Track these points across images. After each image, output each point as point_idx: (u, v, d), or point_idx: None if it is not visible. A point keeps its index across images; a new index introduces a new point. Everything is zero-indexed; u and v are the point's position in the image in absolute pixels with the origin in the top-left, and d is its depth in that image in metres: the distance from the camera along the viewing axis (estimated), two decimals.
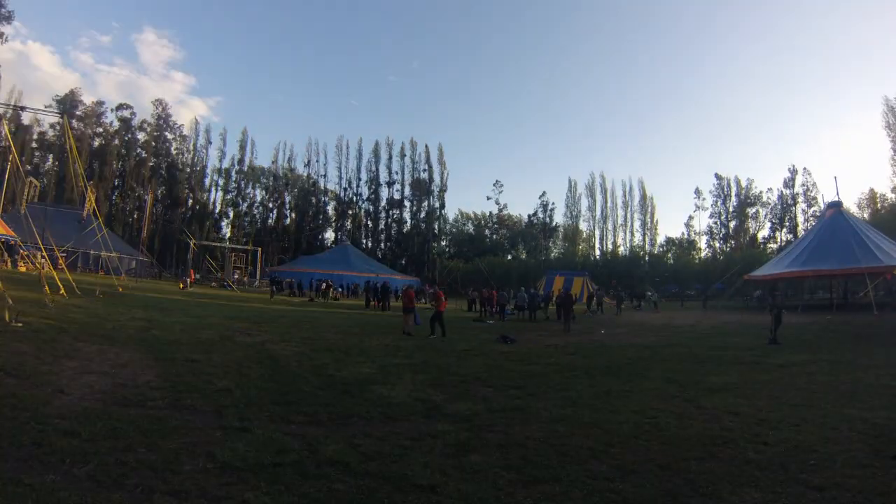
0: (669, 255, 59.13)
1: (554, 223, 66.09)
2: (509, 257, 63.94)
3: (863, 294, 23.74)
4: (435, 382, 7.32)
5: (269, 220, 65.26)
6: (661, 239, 62.99)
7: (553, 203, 66.07)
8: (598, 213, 63.42)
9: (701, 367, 9.06)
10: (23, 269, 23.79)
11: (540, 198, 67.06)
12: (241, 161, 63.85)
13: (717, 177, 60.36)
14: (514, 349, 11.65)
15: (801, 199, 55.94)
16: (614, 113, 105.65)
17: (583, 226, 64.28)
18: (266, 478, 3.49)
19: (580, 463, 4.11)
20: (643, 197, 63.24)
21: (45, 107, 50.63)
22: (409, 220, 65.72)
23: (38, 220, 24.50)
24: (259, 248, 47.69)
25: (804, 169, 55.70)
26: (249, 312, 17.18)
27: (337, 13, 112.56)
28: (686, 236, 61.92)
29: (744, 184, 59.63)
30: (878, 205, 52.25)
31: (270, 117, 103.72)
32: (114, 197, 59.37)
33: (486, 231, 71.62)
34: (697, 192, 61.07)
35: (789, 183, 56.46)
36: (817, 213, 45.52)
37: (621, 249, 61.34)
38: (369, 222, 66.06)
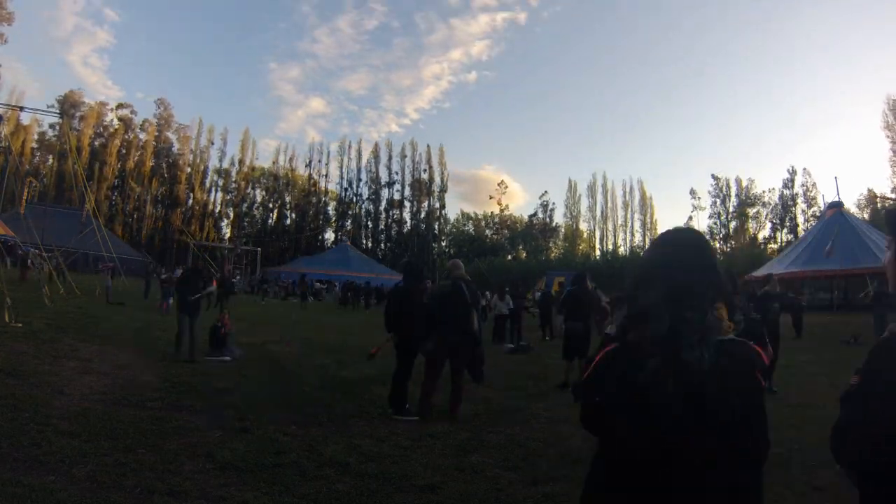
0: None
1: (554, 223, 66.16)
2: (509, 258, 63.86)
3: (863, 295, 23.69)
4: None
5: (270, 221, 65.30)
6: None
7: (553, 203, 66.15)
8: (598, 213, 63.45)
9: None
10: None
11: (540, 198, 67.09)
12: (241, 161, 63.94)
13: (714, 177, 60.12)
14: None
15: (800, 199, 55.92)
16: (615, 113, 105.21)
17: (583, 226, 64.35)
18: (266, 478, 3.48)
19: (581, 463, 4.09)
20: (643, 197, 63.25)
21: (47, 107, 50.55)
22: (409, 221, 65.79)
23: (38, 221, 24.50)
24: (259, 249, 47.69)
25: (804, 169, 55.66)
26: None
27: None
28: None
29: (744, 184, 59.59)
30: (879, 205, 52.17)
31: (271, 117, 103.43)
32: (114, 197, 59.33)
33: (487, 231, 71.59)
34: (692, 192, 60.94)
35: (788, 183, 56.40)
36: (817, 214, 45.45)
37: (622, 249, 61.35)
38: (369, 223, 66.07)
